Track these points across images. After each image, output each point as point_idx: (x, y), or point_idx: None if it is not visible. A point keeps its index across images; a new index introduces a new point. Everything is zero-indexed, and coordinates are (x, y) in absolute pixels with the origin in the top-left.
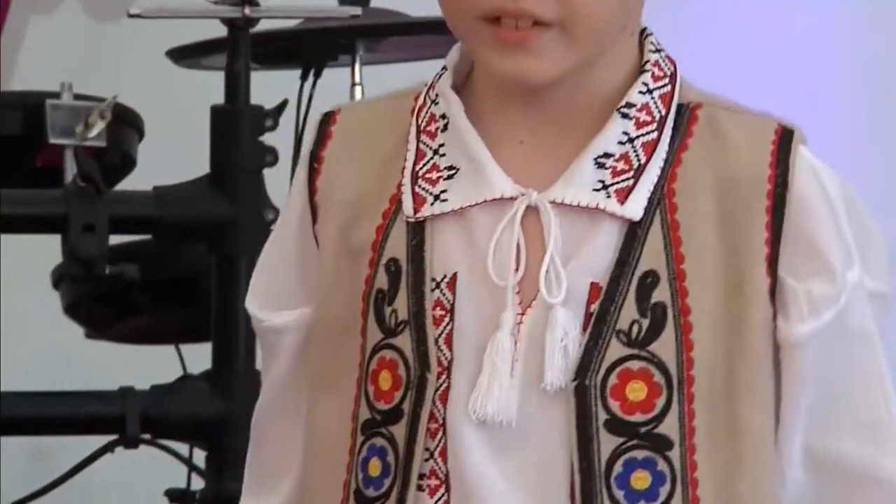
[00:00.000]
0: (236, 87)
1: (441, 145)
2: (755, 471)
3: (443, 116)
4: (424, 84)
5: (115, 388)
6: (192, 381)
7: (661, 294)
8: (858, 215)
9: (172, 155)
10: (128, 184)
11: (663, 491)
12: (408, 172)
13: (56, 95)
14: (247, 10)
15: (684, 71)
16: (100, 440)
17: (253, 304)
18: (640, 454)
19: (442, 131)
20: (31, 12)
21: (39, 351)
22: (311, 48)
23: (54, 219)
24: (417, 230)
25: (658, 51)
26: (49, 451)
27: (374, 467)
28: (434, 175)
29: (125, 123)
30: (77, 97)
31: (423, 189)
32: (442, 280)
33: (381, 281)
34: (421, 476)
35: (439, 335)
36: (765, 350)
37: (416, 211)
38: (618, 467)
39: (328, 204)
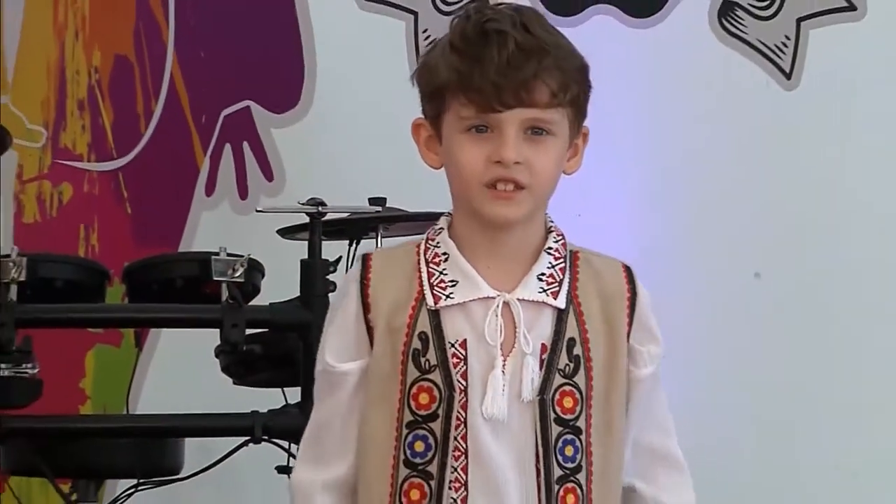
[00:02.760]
0: (314, 249)
1: (444, 269)
2: (617, 451)
3: (444, 253)
4: (421, 239)
5: (248, 411)
6: (290, 407)
7: (577, 350)
8: (654, 310)
9: (280, 286)
10: (256, 301)
11: (578, 457)
12: (426, 284)
13: (217, 254)
14: (319, 209)
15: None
16: (239, 439)
17: (328, 356)
18: (569, 437)
19: (444, 262)
20: (203, 209)
21: (210, 391)
22: (353, 228)
23: (216, 321)
24: (435, 315)
25: (552, 221)
26: (210, 445)
27: (420, 446)
28: (443, 285)
29: (255, 269)
30: (228, 255)
31: (438, 292)
32: (455, 342)
33: (416, 344)
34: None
35: (457, 373)
36: (624, 383)
37: (435, 303)
38: (559, 443)
39: (376, 304)
